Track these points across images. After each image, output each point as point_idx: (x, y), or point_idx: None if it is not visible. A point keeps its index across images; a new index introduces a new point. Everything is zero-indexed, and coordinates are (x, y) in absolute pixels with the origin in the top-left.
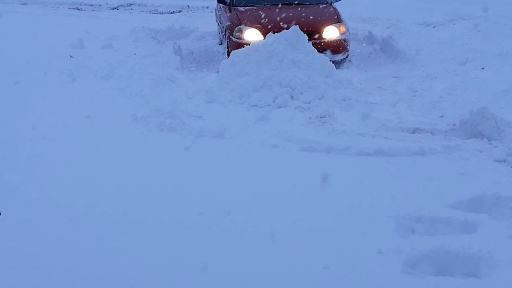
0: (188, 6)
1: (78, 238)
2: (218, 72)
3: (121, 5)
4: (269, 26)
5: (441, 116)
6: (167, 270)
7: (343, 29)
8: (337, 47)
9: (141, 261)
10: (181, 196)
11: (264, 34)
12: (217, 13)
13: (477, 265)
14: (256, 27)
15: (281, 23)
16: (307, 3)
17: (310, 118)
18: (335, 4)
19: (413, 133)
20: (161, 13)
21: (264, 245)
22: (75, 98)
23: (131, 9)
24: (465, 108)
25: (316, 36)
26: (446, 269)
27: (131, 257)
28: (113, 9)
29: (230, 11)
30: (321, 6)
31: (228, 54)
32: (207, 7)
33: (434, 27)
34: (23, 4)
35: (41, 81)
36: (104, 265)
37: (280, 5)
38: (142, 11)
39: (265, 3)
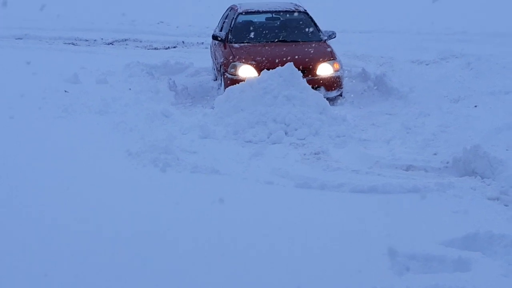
0: (183, 41)
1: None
2: (213, 107)
3: (116, 41)
4: (264, 63)
5: (435, 154)
6: None
7: (337, 66)
8: (331, 84)
9: None
10: (175, 232)
11: (259, 70)
12: (212, 49)
13: None
14: (250, 64)
15: (275, 60)
16: (302, 40)
17: (304, 154)
18: (329, 42)
19: (406, 170)
20: (156, 48)
21: (259, 282)
22: (70, 133)
23: (126, 44)
24: (458, 146)
25: (310, 73)
26: None
27: None
28: (108, 44)
29: (225, 48)
30: (315, 43)
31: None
32: (202, 43)
33: (427, 65)
34: (19, 38)
35: (36, 116)
36: None
37: (274, 42)
38: (137, 46)
39: (260, 40)
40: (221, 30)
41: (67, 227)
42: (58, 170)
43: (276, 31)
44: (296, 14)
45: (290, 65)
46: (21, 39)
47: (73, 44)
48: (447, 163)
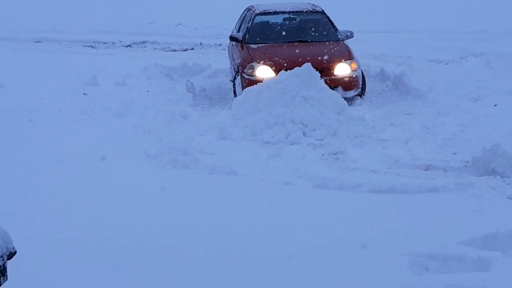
0: (201, 43)
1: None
2: (230, 109)
3: (134, 43)
4: (281, 63)
5: (454, 153)
6: None
7: (354, 66)
8: (349, 84)
9: None
10: (193, 233)
11: (276, 71)
12: (230, 51)
13: None
14: (268, 64)
15: (293, 60)
16: (319, 40)
17: (322, 155)
18: (347, 42)
19: (425, 170)
20: (174, 50)
21: (278, 283)
22: (89, 135)
23: (145, 46)
24: (477, 145)
25: (328, 73)
26: None
27: None
28: (127, 46)
29: (242, 49)
30: (332, 43)
31: (235, 93)
32: (220, 44)
33: (446, 64)
34: (38, 42)
35: (55, 118)
36: None
37: (292, 43)
38: (155, 48)
39: (277, 40)
40: (238, 31)
41: (86, 226)
42: (77, 171)
43: (294, 31)
44: (313, 14)
45: (308, 65)
46: (40, 42)
47: (91, 46)
48: (467, 162)
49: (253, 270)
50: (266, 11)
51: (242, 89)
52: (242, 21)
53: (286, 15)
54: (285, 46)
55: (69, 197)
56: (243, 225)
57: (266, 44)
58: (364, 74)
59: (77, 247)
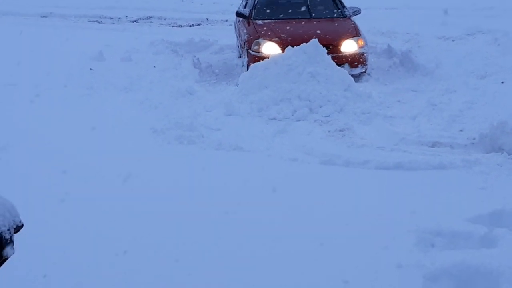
0: (207, 19)
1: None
2: (237, 85)
3: (140, 18)
4: (288, 40)
5: (461, 130)
6: None
7: (361, 42)
8: (356, 60)
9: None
10: (200, 209)
11: (283, 47)
12: (236, 27)
13: (498, 280)
14: (274, 41)
15: (299, 37)
16: (326, 16)
17: (329, 131)
18: (354, 18)
19: (432, 147)
20: (181, 26)
21: (284, 259)
22: (95, 110)
23: (151, 22)
24: (485, 122)
25: (335, 49)
26: (467, 284)
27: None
28: (133, 22)
29: (248, 25)
30: (339, 19)
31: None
32: (226, 20)
33: (453, 41)
34: (44, 17)
35: (61, 93)
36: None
37: (298, 19)
38: (162, 24)
39: (284, 16)
40: (245, 7)
41: (91, 201)
42: (83, 146)
43: (300, 7)
44: None
45: (314, 41)
46: (46, 17)
47: (97, 22)
48: (474, 139)
49: (260, 245)
50: None
51: (248, 66)
52: None
53: None
54: (291, 23)
55: (74, 173)
56: (249, 201)
57: (272, 20)
58: (371, 51)
59: (82, 221)
